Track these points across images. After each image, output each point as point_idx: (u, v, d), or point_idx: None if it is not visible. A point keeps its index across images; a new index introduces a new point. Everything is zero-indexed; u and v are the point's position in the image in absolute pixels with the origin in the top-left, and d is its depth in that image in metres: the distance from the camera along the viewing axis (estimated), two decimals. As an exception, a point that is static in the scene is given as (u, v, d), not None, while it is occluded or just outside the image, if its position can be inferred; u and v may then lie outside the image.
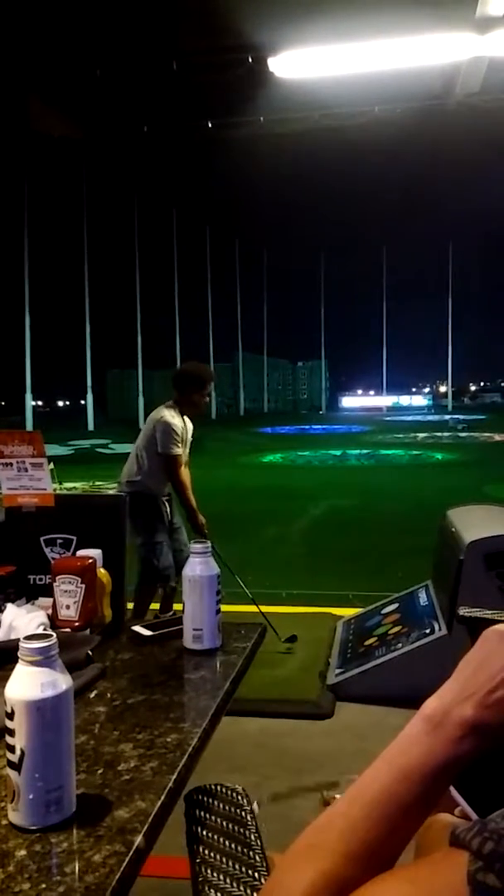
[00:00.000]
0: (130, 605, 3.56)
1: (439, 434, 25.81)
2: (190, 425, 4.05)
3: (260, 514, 9.02)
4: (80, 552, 1.64)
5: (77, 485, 11.24)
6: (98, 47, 14.81)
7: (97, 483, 11.61)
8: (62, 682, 0.87)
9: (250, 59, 13.42)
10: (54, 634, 0.89)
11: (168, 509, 4.05)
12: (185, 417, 4.00)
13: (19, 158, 25.15)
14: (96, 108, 19.53)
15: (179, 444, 3.86)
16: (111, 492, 6.62)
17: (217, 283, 45.54)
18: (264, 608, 3.98)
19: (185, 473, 3.93)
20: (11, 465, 1.74)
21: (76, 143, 23.13)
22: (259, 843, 1.01)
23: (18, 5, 12.80)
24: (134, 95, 18.08)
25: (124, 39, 14.53)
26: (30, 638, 0.87)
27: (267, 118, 19.11)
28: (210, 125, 20.07)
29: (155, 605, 4.06)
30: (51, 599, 1.56)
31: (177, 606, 3.94)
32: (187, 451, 4.04)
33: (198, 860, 0.98)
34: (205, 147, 24.00)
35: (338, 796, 0.71)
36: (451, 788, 0.66)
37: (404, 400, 69.15)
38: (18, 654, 0.87)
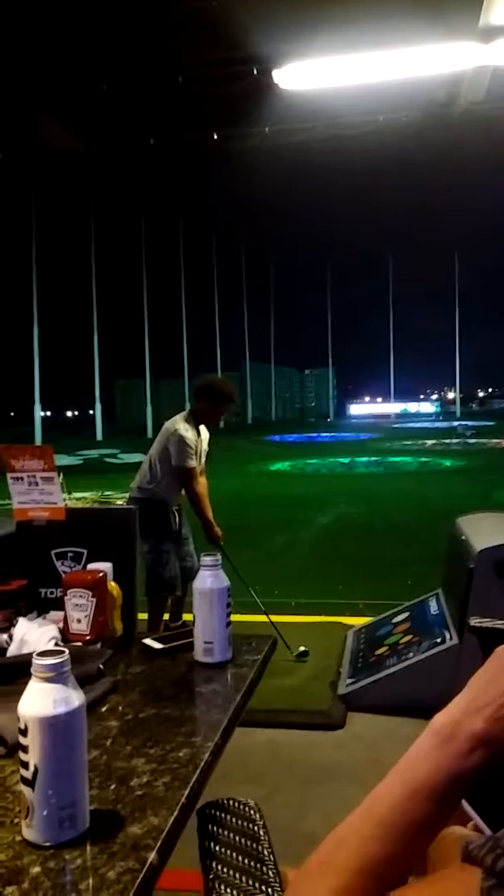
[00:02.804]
0: (142, 617, 3.57)
1: (448, 440, 25.73)
2: (206, 434, 4.07)
3: (268, 523, 9.01)
4: (91, 566, 1.64)
5: (86, 494, 11.27)
6: (104, 61, 14.94)
7: (106, 493, 11.63)
8: (75, 698, 0.88)
9: (255, 72, 13.49)
10: (67, 650, 0.89)
11: (177, 519, 4.06)
12: (201, 427, 4.02)
13: (27, 171, 25.40)
14: (103, 122, 19.69)
15: (193, 457, 3.88)
16: (120, 503, 6.64)
17: (224, 292, 45.75)
18: (274, 618, 3.98)
19: (201, 485, 3.95)
20: (22, 479, 1.75)
21: (83, 155, 23.30)
22: (272, 859, 1.01)
23: (25, 20, 12.95)
24: (140, 108, 18.21)
25: (130, 54, 14.65)
26: (43, 654, 0.88)
27: (272, 129, 19.18)
28: (215, 137, 20.15)
29: (164, 616, 4.07)
30: (62, 613, 1.56)
31: (187, 616, 3.95)
32: (202, 461, 4.05)
33: (211, 876, 0.98)
34: (210, 159, 24.14)
35: None
36: (464, 802, 0.66)
37: (412, 407, 69.05)
38: (31, 671, 0.87)
